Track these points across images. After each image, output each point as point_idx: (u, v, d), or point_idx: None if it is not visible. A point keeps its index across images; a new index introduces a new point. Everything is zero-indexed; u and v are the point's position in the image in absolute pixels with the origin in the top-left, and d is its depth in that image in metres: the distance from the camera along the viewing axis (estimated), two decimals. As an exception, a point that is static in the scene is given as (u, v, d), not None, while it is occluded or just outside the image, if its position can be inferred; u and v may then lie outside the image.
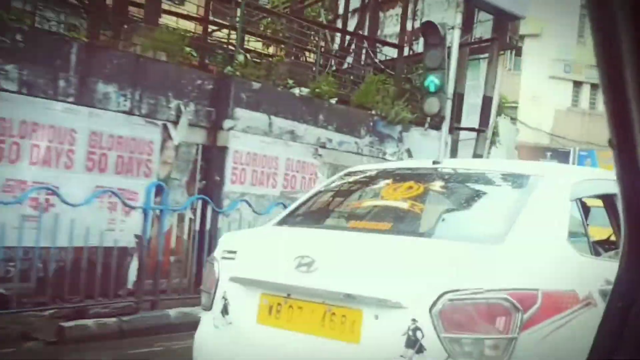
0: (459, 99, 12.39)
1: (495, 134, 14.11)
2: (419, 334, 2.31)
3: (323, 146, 10.20)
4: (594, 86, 39.70)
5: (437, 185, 3.29)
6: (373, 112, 11.25)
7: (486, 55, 13.34)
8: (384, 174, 3.66)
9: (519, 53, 39.61)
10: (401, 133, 11.66)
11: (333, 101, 10.55)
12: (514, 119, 40.48)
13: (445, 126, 10.21)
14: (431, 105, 9.66)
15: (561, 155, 37.40)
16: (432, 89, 9.57)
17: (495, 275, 2.36)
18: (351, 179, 3.65)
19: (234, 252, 2.96)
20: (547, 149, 37.12)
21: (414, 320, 2.31)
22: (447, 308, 2.28)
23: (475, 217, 2.92)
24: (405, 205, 3.04)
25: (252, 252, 2.99)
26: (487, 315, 2.27)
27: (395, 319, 2.37)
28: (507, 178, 3.23)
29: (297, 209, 3.45)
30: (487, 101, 12.79)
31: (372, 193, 3.54)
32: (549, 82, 38.47)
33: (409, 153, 11.73)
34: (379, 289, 2.42)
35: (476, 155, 12.31)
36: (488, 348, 2.26)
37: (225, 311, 2.89)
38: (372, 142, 11.16)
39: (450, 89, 10.14)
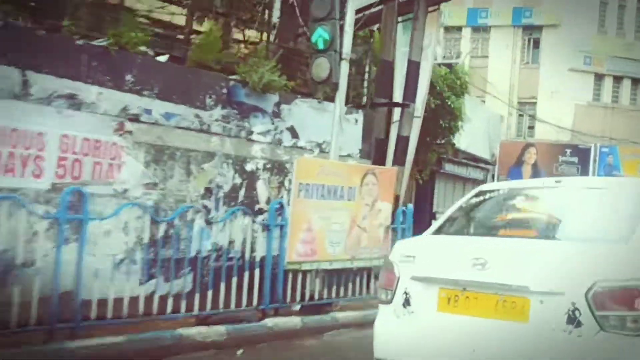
0: (385, 68, 9.74)
1: (457, 117, 12.01)
2: (577, 313, 3.08)
3: (135, 119, 7.12)
4: (616, 79, 37.94)
5: (564, 198, 4.05)
6: (234, 76, 8.25)
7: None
8: (515, 191, 4.45)
9: (536, 45, 38.08)
10: (279, 106, 8.57)
11: (162, 59, 7.72)
12: (531, 116, 39.01)
13: (340, 97, 7.76)
14: (319, 67, 7.58)
15: (582, 152, 35.80)
16: (320, 45, 7.47)
17: (629, 267, 3.12)
18: (486, 195, 4.42)
19: (413, 257, 3.71)
20: (567, 146, 35.48)
21: (573, 303, 3.08)
22: (598, 293, 3.04)
23: (604, 223, 3.61)
24: (542, 215, 3.97)
25: (429, 256, 3.74)
26: (628, 297, 3.01)
27: (557, 303, 3.10)
28: (623, 190, 4.04)
29: (446, 222, 4.20)
30: (412, 68, 9.63)
31: (511, 207, 4.30)
32: (568, 76, 36.77)
33: (293, 133, 8.75)
34: (545, 282, 3.18)
35: (401, 137, 9.37)
36: (630, 322, 3.02)
37: (407, 303, 3.62)
38: (227, 116, 8.12)
39: (346, 46, 7.77)
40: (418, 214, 13.41)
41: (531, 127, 37.77)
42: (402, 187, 9.34)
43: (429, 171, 13.09)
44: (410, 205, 8.84)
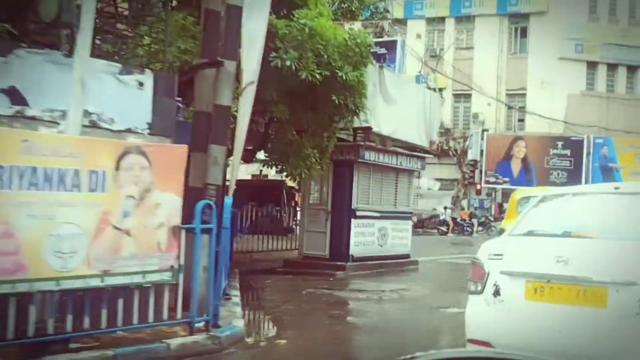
0: (210, 19, 6.71)
1: (358, 93, 10.06)
2: None
3: None
4: (610, 67, 36.02)
5: (625, 202, 4.60)
6: None
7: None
8: (578, 196, 5.17)
9: (524, 34, 36.38)
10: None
11: None
12: (521, 108, 37.17)
13: (83, 43, 5.43)
14: (47, 3, 5.55)
15: (574, 145, 33.96)
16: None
17: None
18: (552, 200, 5.04)
19: (501, 255, 4.37)
20: (559, 139, 33.65)
21: None
22: None
23: None
24: (608, 218, 4.55)
25: (515, 254, 4.38)
26: None
27: (631, 291, 3.67)
28: None
29: (519, 225, 4.81)
30: (233, 14, 6.61)
31: (578, 210, 4.86)
32: (559, 65, 34.94)
33: (15, 97, 5.65)
34: (620, 275, 3.77)
35: (219, 107, 6.58)
36: None
37: (497, 293, 4.23)
38: None
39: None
40: (336, 212, 11.92)
41: (521, 120, 35.93)
42: (232, 175, 7.06)
43: (332, 160, 11.21)
44: (229, 199, 6.40)
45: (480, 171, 33.87)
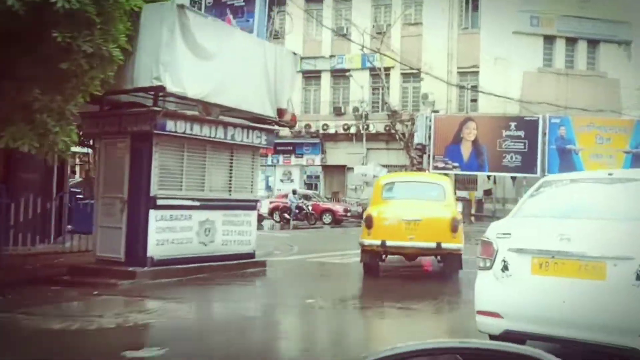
0: None
1: (109, 27, 7.06)
2: None
3: None
4: (570, 40, 33.35)
5: (619, 187, 5.08)
6: None
7: None
8: (576, 181, 5.63)
9: (475, 8, 33.63)
10: None
11: None
12: (473, 87, 34.38)
13: None
14: None
15: (529, 125, 31.33)
16: None
17: None
18: (552, 185, 5.47)
19: (509, 234, 4.77)
20: (512, 119, 30.97)
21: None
22: None
23: None
24: (604, 201, 4.98)
25: (522, 233, 4.77)
26: None
27: (628, 265, 4.07)
28: None
29: (523, 208, 5.20)
30: None
31: (577, 194, 5.30)
32: (513, 40, 32.29)
33: None
34: (618, 251, 4.17)
35: None
36: None
37: (505, 269, 4.63)
38: None
39: None
40: (132, 201, 9.20)
41: (474, 100, 33.27)
42: None
43: (130, 133, 8.51)
44: None
45: (428, 156, 31.21)
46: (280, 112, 10.83)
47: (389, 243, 9.70)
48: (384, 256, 10.56)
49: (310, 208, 27.56)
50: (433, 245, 9.65)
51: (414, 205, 10.17)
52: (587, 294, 4.24)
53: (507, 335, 4.47)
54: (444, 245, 9.63)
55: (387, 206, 10.43)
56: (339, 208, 29.02)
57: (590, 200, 5.05)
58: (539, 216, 4.97)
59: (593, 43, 33.33)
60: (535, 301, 4.43)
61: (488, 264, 4.78)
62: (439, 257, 10.70)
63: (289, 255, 12.90)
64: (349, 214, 28.85)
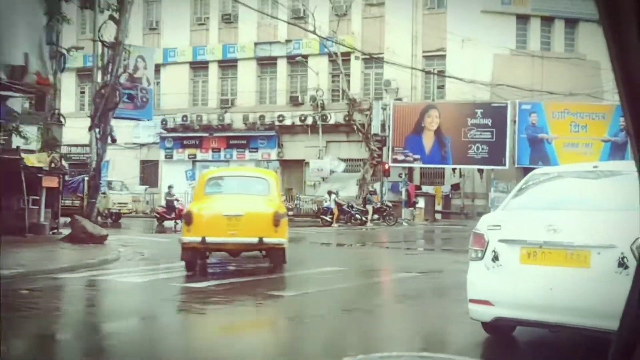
0: None
1: None
2: (625, 259, 4.29)
3: None
4: (545, 20, 30.51)
5: (603, 179, 5.39)
6: None
7: None
8: (563, 174, 5.97)
9: (440, -15, 30.97)
10: None
11: None
12: (441, 72, 31.62)
13: None
14: None
15: (497, 112, 28.63)
16: None
17: None
18: (540, 178, 5.69)
19: (499, 225, 5.07)
20: (478, 106, 28.33)
21: (622, 253, 4.30)
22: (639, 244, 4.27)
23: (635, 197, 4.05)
24: (589, 193, 5.27)
25: (511, 225, 5.05)
26: None
27: (610, 253, 4.35)
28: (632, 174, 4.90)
29: (512, 201, 5.43)
30: None
31: (563, 187, 5.56)
32: (483, 20, 29.63)
33: None
34: (602, 239, 4.45)
35: None
36: None
37: (495, 259, 4.93)
38: None
39: None
40: None
41: (441, 87, 30.70)
42: None
43: None
44: None
45: (388, 148, 28.77)
46: (15, 70, 8.36)
47: (209, 239, 9.38)
48: (207, 253, 10.25)
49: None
50: (255, 240, 9.48)
51: (235, 200, 10.05)
52: (573, 281, 4.60)
53: (498, 322, 5.09)
54: (266, 240, 9.50)
55: (209, 202, 10.27)
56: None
57: (576, 193, 5.39)
58: (528, 208, 5.32)
59: (571, 22, 30.58)
60: (524, 289, 4.79)
61: (479, 255, 5.12)
62: (263, 252, 10.30)
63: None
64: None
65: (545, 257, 4.73)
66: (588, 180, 5.45)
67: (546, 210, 5.10)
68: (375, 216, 25.75)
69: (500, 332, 5.50)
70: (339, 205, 24.84)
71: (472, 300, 5.16)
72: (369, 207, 25.71)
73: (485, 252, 5.07)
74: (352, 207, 25.26)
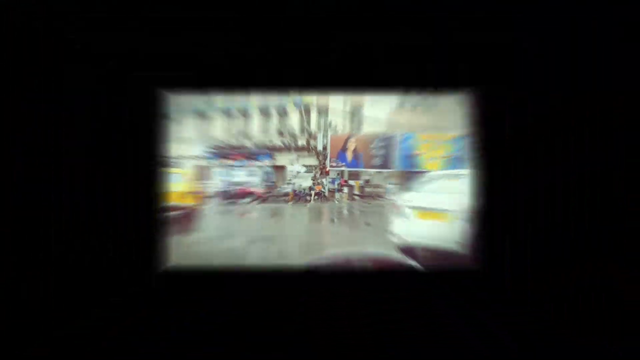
0: None
1: None
2: (459, 217, 7.45)
3: None
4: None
5: (450, 176, 8.80)
6: None
7: None
8: (437, 176, 9.49)
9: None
10: None
11: None
12: (360, 117, 52.09)
13: None
14: None
15: (388, 140, 40.70)
16: None
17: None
18: (428, 177, 9.33)
19: (407, 199, 8.56)
20: (376, 136, 47.55)
21: (458, 213, 7.55)
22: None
23: (464, 186, 6.43)
24: (448, 183, 8.49)
25: (412, 199, 8.54)
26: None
27: (453, 213, 7.62)
28: (461, 175, 8.06)
29: (415, 188, 9.10)
30: None
31: (436, 182, 8.92)
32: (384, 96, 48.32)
33: None
34: (450, 206, 7.57)
35: None
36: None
37: (404, 215, 8.44)
38: None
39: None
40: None
41: (358, 126, 51.07)
42: None
43: None
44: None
45: (327, 159, 50.20)
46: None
47: None
48: None
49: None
50: None
51: None
52: (439, 227, 7.51)
53: (404, 245, 8.08)
54: None
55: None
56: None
57: (439, 184, 8.45)
58: (421, 192, 8.52)
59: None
60: (419, 230, 7.83)
61: (397, 213, 8.32)
62: None
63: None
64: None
65: (426, 214, 7.85)
66: (448, 177, 8.60)
67: (429, 192, 8.37)
68: (316, 197, 47.29)
69: (406, 251, 8.18)
70: (293, 190, 46.67)
71: (393, 234, 8.31)
72: (312, 192, 47.37)
73: (400, 212, 8.35)
74: (301, 191, 47.07)
